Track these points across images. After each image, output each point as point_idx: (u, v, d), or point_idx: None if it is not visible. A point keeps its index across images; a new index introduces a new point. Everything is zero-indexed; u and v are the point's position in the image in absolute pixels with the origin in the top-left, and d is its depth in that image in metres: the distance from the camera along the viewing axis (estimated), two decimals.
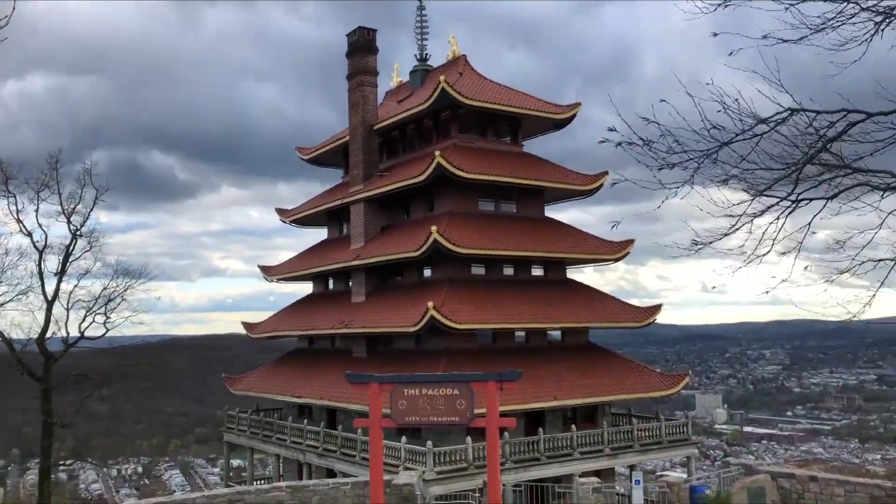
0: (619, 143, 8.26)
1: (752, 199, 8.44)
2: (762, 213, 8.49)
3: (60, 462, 44.67)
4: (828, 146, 8.12)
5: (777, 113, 8.07)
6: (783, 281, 8.61)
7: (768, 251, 8.56)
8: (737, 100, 7.85)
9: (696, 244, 8.74)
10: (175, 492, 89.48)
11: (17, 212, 36.62)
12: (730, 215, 8.47)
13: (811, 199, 8.44)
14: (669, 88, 8.04)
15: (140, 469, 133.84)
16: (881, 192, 8.12)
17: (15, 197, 36.46)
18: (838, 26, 7.80)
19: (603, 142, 8.46)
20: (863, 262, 8.29)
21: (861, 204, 8.22)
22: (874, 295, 8.39)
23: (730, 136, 8.13)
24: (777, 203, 8.41)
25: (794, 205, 8.43)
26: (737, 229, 8.48)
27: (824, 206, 8.43)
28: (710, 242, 8.68)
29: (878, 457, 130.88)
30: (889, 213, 8.05)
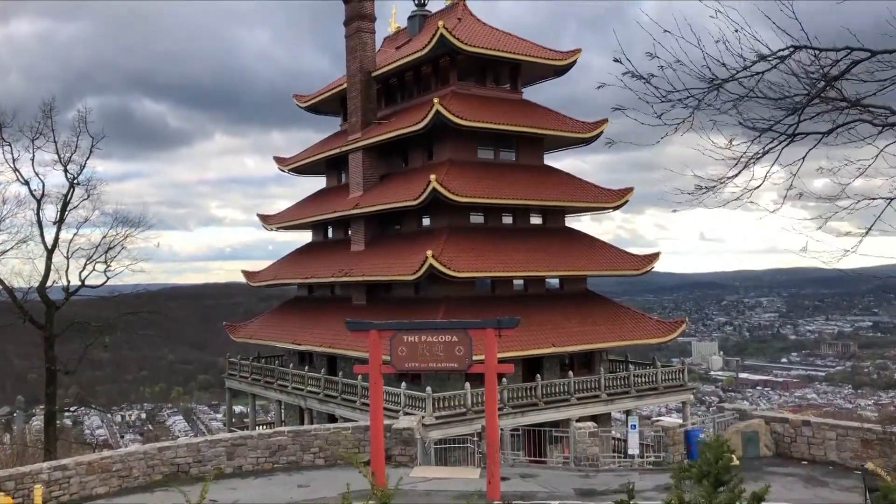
0: (637, 76, 8.11)
1: (756, 139, 8.36)
2: (763, 154, 8.42)
3: (65, 408, 45.40)
4: (831, 85, 8.03)
5: (779, 50, 7.95)
6: (770, 211, 8.62)
7: (759, 185, 8.53)
8: (737, 31, 7.72)
9: (700, 188, 8.69)
10: (178, 437, 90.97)
11: (14, 160, 36.49)
12: (732, 158, 8.41)
13: (807, 134, 8.38)
14: (668, 28, 7.93)
15: (144, 415, 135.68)
16: (879, 129, 8.06)
17: (10, 145, 36.28)
18: None
19: (601, 86, 8.37)
20: (857, 202, 8.27)
21: (857, 138, 8.16)
22: (863, 237, 8.39)
23: (730, 75, 8.04)
24: (773, 140, 8.32)
25: (789, 139, 8.37)
26: (739, 172, 8.44)
27: (820, 139, 8.37)
28: (714, 187, 8.63)
29: (871, 402, 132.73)
30: (883, 148, 8.01)
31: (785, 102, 8.20)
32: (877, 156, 8.04)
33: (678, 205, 8.89)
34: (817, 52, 7.87)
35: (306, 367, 38.88)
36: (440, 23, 35.43)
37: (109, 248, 37.87)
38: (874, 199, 8.27)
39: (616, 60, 8.06)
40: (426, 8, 44.72)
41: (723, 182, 8.58)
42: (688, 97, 8.22)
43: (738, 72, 8.02)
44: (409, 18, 45.28)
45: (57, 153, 36.78)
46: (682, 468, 8.92)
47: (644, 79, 8.10)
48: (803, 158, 8.48)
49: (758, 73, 8.00)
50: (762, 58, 7.91)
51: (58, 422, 42.30)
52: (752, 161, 8.42)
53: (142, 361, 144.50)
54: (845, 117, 8.18)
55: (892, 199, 8.31)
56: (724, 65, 8.02)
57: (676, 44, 7.73)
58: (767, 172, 8.53)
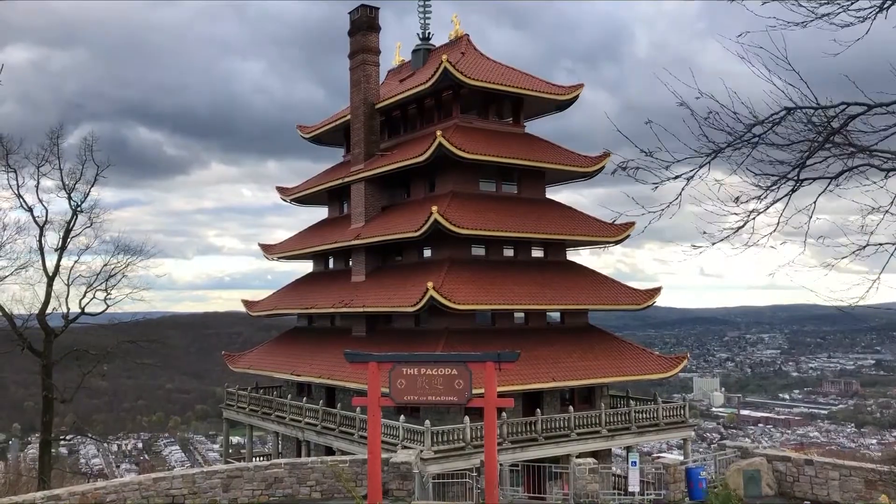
0: (625, 167, 8.42)
1: (762, 194, 8.38)
2: (771, 204, 8.42)
3: (61, 437, 44.93)
4: (832, 137, 8.06)
5: (773, 114, 8.03)
6: (780, 266, 8.67)
7: (774, 230, 8.51)
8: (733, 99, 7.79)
9: (704, 242, 8.71)
10: (174, 467, 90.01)
11: (18, 186, 36.59)
12: (734, 213, 8.43)
13: (815, 179, 8.37)
14: (661, 70, 8.04)
15: (140, 445, 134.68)
16: (885, 173, 8.04)
17: (15, 172, 36.41)
18: (840, 12, 7.76)
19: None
20: (864, 247, 8.21)
21: (863, 182, 8.14)
22: (874, 282, 8.24)
23: (727, 137, 8.16)
24: (779, 181, 8.33)
25: (797, 184, 8.35)
26: (744, 224, 8.44)
27: (828, 185, 8.33)
28: (721, 240, 8.64)
29: (875, 441, 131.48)
30: None
31: (792, 148, 8.25)
32: (892, 201, 7.99)
33: (691, 253, 8.93)
34: (813, 110, 7.94)
35: (304, 399, 38.60)
36: (444, 57, 35.76)
37: (110, 276, 37.81)
38: (880, 244, 8.22)
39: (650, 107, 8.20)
40: (430, 42, 45.18)
41: (727, 236, 8.61)
42: (685, 171, 8.39)
43: (733, 140, 8.12)
44: (414, 52, 45.73)
45: (62, 180, 36.91)
46: None
47: (647, 153, 8.31)
48: (814, 203, 8.44)
49: (755, 137, 8.10)
50: (758, 122, 7.99)
51: (53, 451, 41.90)
52: (756, 211, 8.44)
53: (139, 390, 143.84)
54: (853, 161, 8.18)
55: None
56: (724, 130, 8.16)
57: (677, 90, 7.81)
58: (779, 220, 8.51)
